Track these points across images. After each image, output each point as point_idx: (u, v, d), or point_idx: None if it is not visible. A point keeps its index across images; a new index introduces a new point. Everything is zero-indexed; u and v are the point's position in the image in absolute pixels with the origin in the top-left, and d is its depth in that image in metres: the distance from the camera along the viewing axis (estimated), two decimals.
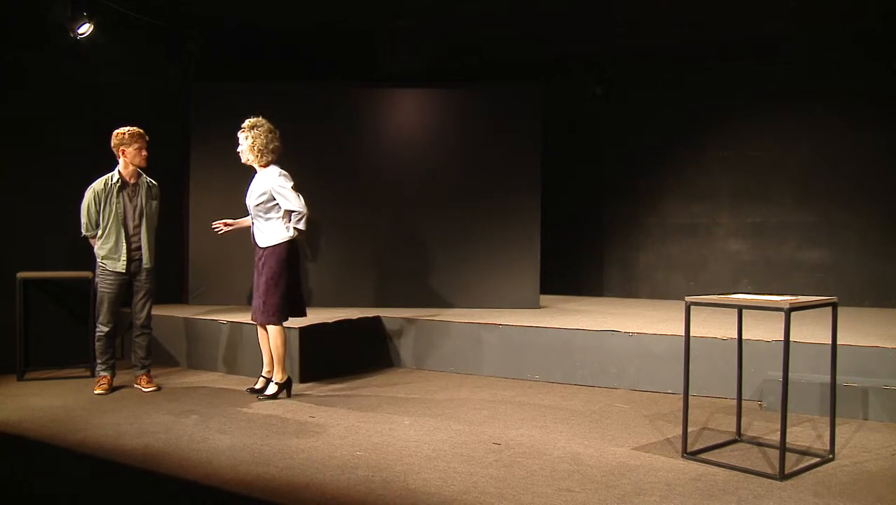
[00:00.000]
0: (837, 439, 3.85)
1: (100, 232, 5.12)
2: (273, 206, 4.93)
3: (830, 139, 7.45)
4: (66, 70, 6.20)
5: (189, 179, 7.13)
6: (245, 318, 6.00)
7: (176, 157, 7.14)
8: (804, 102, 7.51)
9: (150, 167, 5.32)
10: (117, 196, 5.12)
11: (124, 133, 5.12)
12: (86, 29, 5.94)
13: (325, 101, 7.10)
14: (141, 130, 5.17)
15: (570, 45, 7.46)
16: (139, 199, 5.21)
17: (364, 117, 7.10)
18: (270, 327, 4.94)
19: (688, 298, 3.80)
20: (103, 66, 6.43)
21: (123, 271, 5.14)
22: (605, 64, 7.96)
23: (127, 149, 5.11)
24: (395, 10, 6.64)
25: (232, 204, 7.05)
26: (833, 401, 3.76)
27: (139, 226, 5.20)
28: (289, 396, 5.02)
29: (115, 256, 5.12)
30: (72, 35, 5.90)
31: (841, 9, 6.25)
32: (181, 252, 7.23)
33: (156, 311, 5.59)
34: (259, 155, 4.96)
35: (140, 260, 5.21)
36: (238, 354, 5.87)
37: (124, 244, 5.13)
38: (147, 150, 5.19)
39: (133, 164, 5.15)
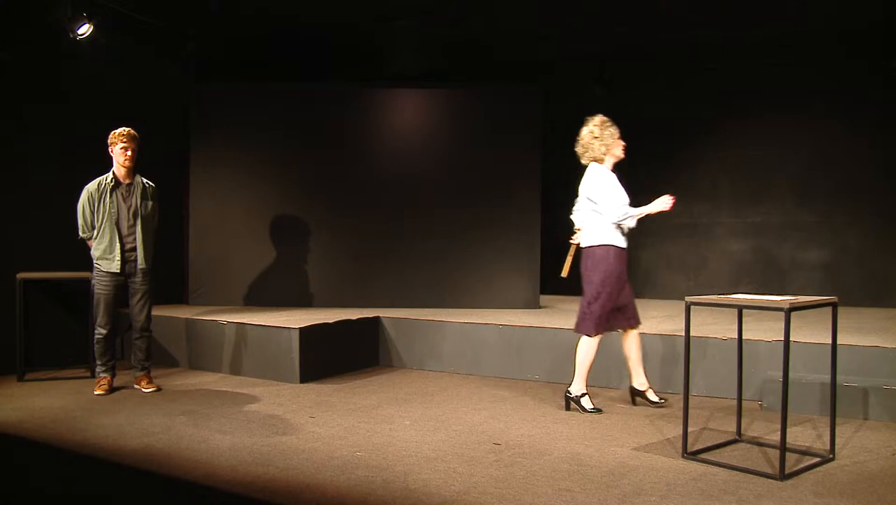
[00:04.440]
0: (837, 439, 3.85)
1: (95, 233, 5.12)
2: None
3: (830, 139, 7.44)
4: (65, 70, 6.20)
5: (189, 179, 7.13)
6: (244, 318, 6.01)
7: (176, 157, 7.15)
8: (804, 102, 7.50)
9: (150, 167, 5.32)
10: (111, 196, 5.11)
11: (114, 133, 5.13)
12: (86, 29, 5.93)
13: (325, 101, 7.11)
14: (130, 130, 5.14)
15: (570, 44, 7.46)
16: (134, 199, 5.18)
17: (364, 117, 7.10)
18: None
19: (688, 298, 3.80)
20: (103, 66, 6.43)
21: (118, 271, 5.13)
22: (605, 64, 7.96)
23: (114, 148, 5.12)
24: (395, 10, 6.64)
25: (232, 203, 7.10)
26: (833, 401, 3.76)
27: (134, 226, 5.17)
28: (583, 409, 4.64)
29: (110, 257, 5.12)
30: (72, 35, 5.89)
31: (841, 8, 6.24)
32: (181, 252, 7.24)
33: (156, 311, 5.58)
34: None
35: (135, 261, 5.18)
36: (238, 355, 5.87)
37: (118, 244, 5.11)
38: (134, 150, 5.13)
39: (119, 163, 5.14)
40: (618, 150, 4.68)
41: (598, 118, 4.72)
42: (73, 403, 4.83)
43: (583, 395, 4.67)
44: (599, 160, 4.65)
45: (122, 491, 3.57)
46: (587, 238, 4.64)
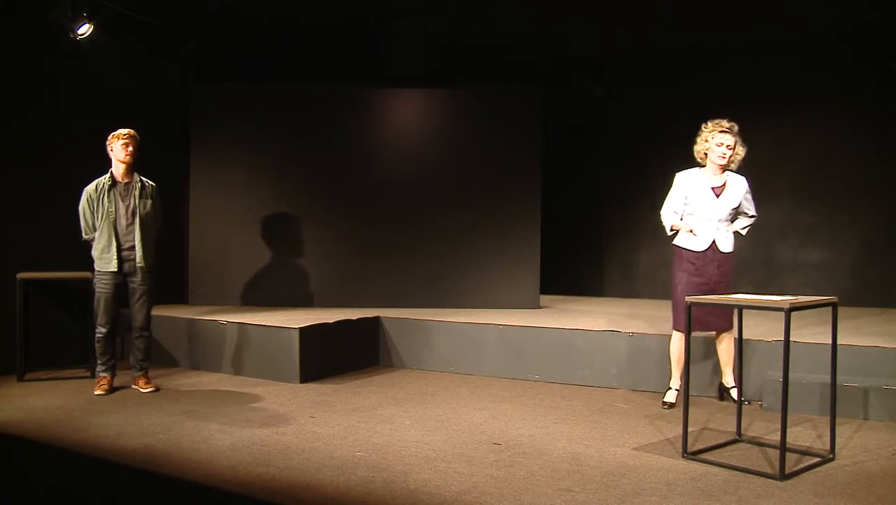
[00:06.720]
0: (837, 439, 3.84)
1: (96, 233, 5.14)
2: (740, 213, 4.87)
3: (830, 139, 7.43)
4: (65, 71, 6.20)
5: (189, 179, 7.13)
6: (244, 317, 6.01)
7: (176, 157, 7.14)
8: (804, 102, 7.49)
9: (150, 167, 5.31)
10: (108, 196, 5.12)
11: (114, 133, 5.15)
12: (86, 30, 5.93)
13: (325, 101, 7.11)
14: (131, 131, 5.16)
15: (570, 44, 7.46)
16: (132, 198, 5.18)
17: (364, 118, 7.10)
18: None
19: (688, 298, 3.81)
20: (103, 66, 6.43)
21: (116, 270, 5.13)
22: (605, 64, 7.96)
23: (113, 146, 5.13)
24: (395, 10, 6.64)
25: (232, 204, 7.09)
26: (833, 401, 3.76)
27: (132, 225, 5.17)
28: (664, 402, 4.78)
29: (107, 256, 5.12)
30: (71, 36, 5.89)
31: (841, 8, 6.25)
32: (181, 252, 7.23)
33: (156, 311, 5.58)
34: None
35: (134, 260, 5.18)
36: (238, 355, 5.87)
37: (114, 243, 5.11)
38: (135, 148, 5.13)
39: (118, 160, 5.13)
40: (714, 157, 4.80)
41: (725, 123, 4.84)
42: (73, 403, 4.83)
43: (670, 389, 4.83)
44: (700, 163, 4.90)
45: (123, 491, 3.57)
46: None
